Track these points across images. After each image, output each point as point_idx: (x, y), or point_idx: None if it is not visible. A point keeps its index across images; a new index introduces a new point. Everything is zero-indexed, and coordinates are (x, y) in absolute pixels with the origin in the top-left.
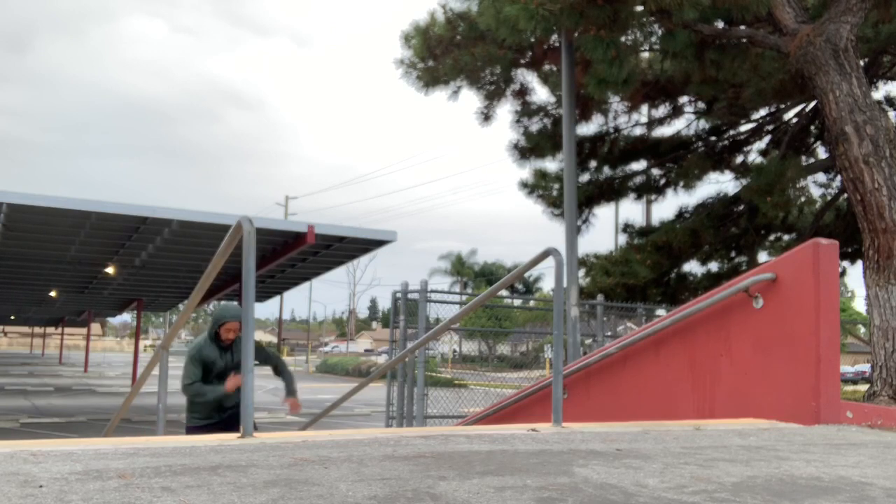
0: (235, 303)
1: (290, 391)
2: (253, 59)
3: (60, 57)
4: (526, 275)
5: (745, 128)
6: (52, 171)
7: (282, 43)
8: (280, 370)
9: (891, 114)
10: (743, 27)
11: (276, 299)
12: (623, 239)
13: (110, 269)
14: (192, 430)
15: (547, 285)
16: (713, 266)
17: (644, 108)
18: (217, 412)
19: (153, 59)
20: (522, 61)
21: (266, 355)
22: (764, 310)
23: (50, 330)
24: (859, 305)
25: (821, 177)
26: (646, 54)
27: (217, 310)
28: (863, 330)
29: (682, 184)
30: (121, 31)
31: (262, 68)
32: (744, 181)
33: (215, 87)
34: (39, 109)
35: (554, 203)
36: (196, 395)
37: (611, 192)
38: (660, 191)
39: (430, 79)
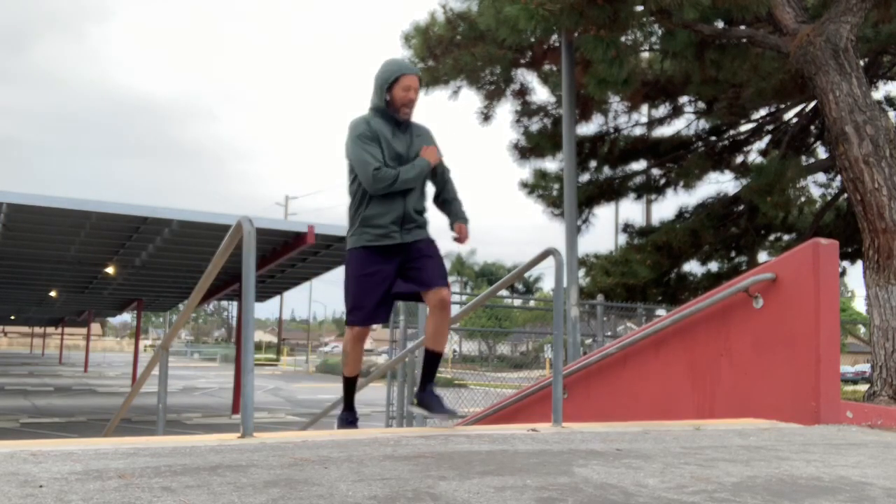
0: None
1: (460, 214)
2: (252, 58)
3: (60, 57)
4: (526, 275)
5: (745, 128)
6: (52, 171)
7: (281, 42)
8: (444, 181)
9: (891, 114)
10: (743, 27)
11: (276, 299)
12: (623, 239)
13: (110, 269)
14: (357, 253)
15: (547, 285)
16: (713, 266)
17: (644, 108)
18: (398, 224)
19: (153, 59)
20: (522, 61)
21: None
22: (764, 310)
23: (50, 330)
24: (859, 305)
25: (821, 177)
26: (646, 54)
27: (385, 64)
28: (863, 330)
29: (682, 184)
30: (120, 31)
31: (262, 67)
32: (744, 181)
33: (215, 87)
34: (39, 109)
35: (554, 203)
36: (394, 183)
37: (611, 192)
38: (660, 191)
39: (430, 79)
